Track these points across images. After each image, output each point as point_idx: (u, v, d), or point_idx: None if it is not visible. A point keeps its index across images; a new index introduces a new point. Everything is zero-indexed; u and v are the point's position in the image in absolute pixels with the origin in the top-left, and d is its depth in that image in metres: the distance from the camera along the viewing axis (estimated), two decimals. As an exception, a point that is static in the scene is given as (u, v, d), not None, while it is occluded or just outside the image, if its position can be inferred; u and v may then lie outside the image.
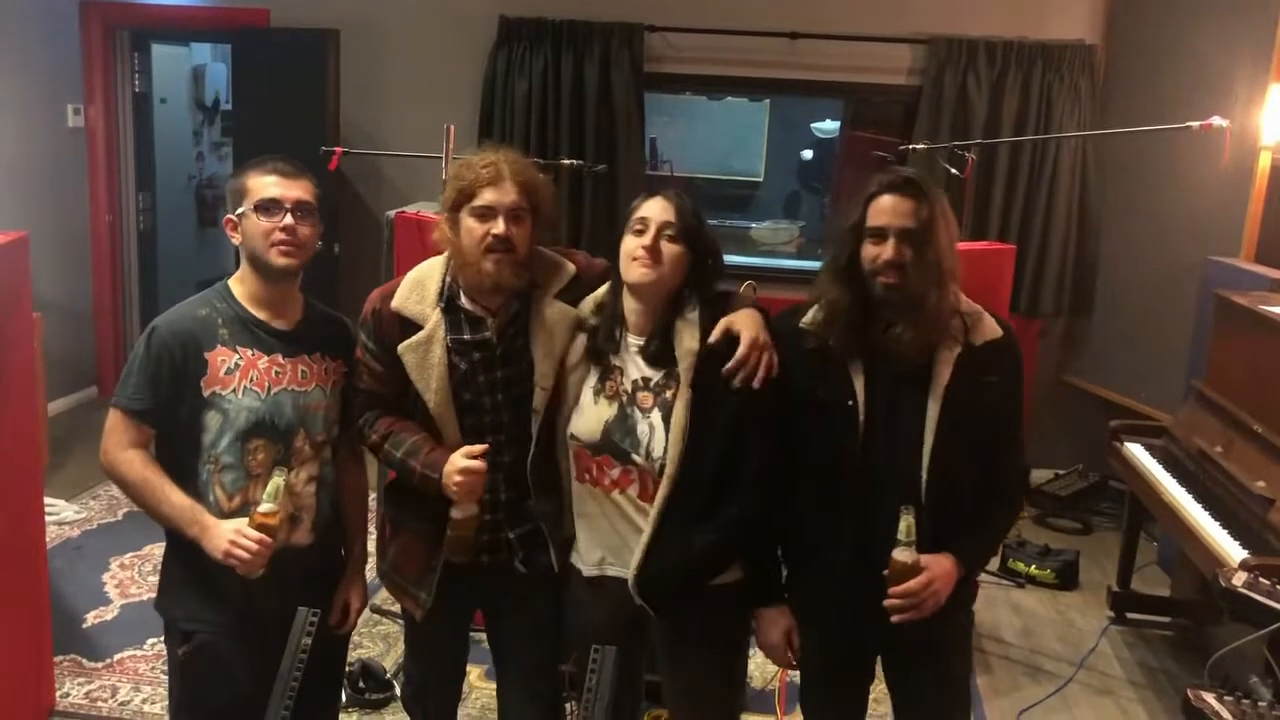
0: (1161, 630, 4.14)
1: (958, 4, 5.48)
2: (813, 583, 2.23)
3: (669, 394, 2.12)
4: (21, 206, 5.50)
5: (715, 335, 2.09)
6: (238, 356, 2.16)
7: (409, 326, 2.21)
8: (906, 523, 2.01)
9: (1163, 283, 4.93)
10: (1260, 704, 1.85)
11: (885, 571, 2.03)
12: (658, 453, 2.10)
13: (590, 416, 2.17)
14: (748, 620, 2.30)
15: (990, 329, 2.15)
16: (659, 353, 2.13)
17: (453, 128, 3.60)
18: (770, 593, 2.26)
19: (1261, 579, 2.08)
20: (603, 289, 2.24)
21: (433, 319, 2.20)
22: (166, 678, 2.38)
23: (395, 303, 2.23)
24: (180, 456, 2.17)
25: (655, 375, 2.14)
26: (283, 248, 2.15)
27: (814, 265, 6.83)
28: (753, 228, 7.75)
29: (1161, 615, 4.20)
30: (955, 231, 2.14)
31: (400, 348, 2.20)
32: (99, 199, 6.24)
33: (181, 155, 7.48)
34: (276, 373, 2.19)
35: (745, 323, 2.10)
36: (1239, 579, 2.10)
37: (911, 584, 2.02)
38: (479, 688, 3.42)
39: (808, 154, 8.31)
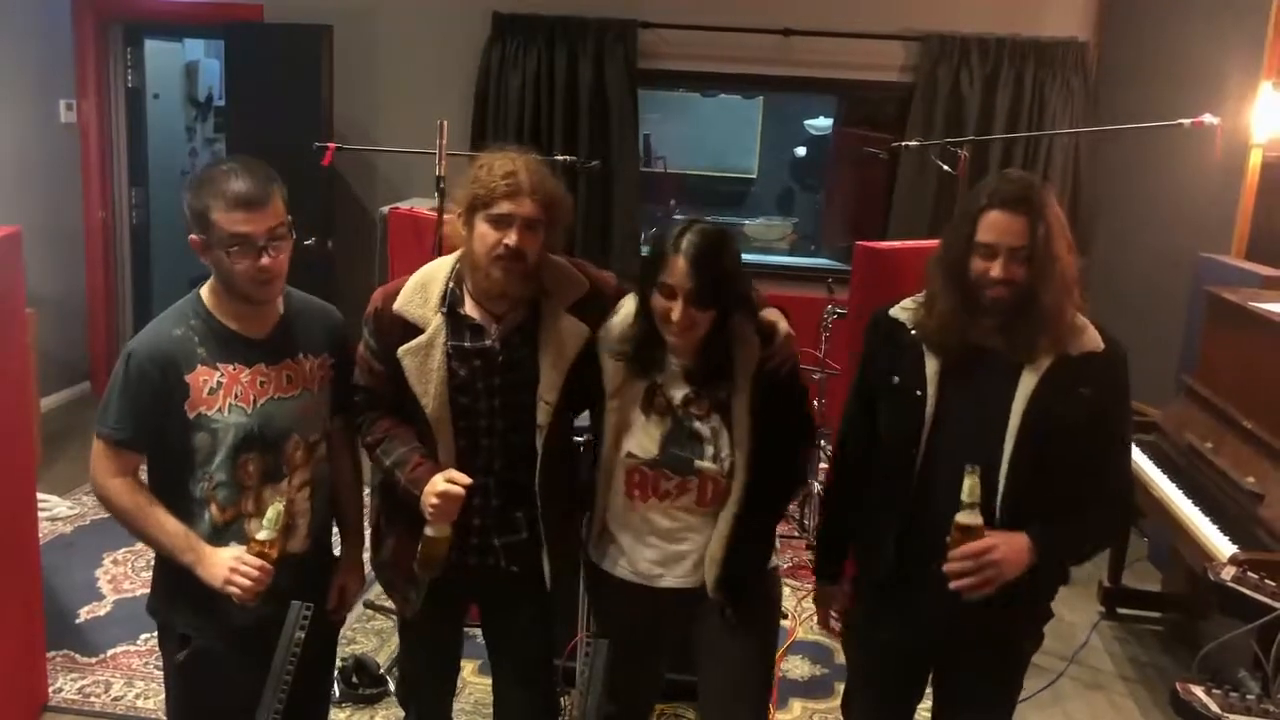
0: (1152, 625, 4.16)
1: (951, 1, 5.49)
2: (871, 570, 2.24)
3: (722, 394, 2.15)
4: (14, 202, 5.48)
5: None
6: (219, 374, 2.10)
7: (410, 330, 2.19)
8: (970, 483, 1.96)
9: (1154, 279, 4.95)
10: (1248, 696, 1.86)
11: (948, 538, 1.99)
12: (726, 451, 2.14)
13: (643, 434, 2.18)
14: (779, 603, 2.39)
15: (1091, 341, 2.09)
16: (708, 374, 2.15)
17: (446, 123, 3.60)
18: (833, 569, 2.36)
19: (1250, 573, 2.09)
20: (624, 318, 2.20)
21: (434, 323, 2.18)
22: (160, 674, 2.37)
23: (397, 305, 2.20)
24: (172, 475, 2.13)
25: (704, 387, 2.17)
26: (261, 281, 2.07)
27: (807, 261, 6.88)
28: (746, 224, 7.76)
29: (1152, 610, 4.22)
30: (1070, 239, 2.08)
31: (400, 351, 2.17)
32: (92, 194, 6.23)
33: (175, 151, 7.46)
34: (261, 384, 2.14)
35: (779, 317, 2.22)
36: (1228, 573, 2.10)
37: (971, 545, 1.97)
38: (473, 682, 3.42)
39: (801, 151, 8.32)
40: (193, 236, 2.09)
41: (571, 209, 2.23)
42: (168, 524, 2.08)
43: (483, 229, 2.11)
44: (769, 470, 2.17)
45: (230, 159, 2.14)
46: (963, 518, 1.96)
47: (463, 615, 2.48)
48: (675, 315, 2.04)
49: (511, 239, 2.08)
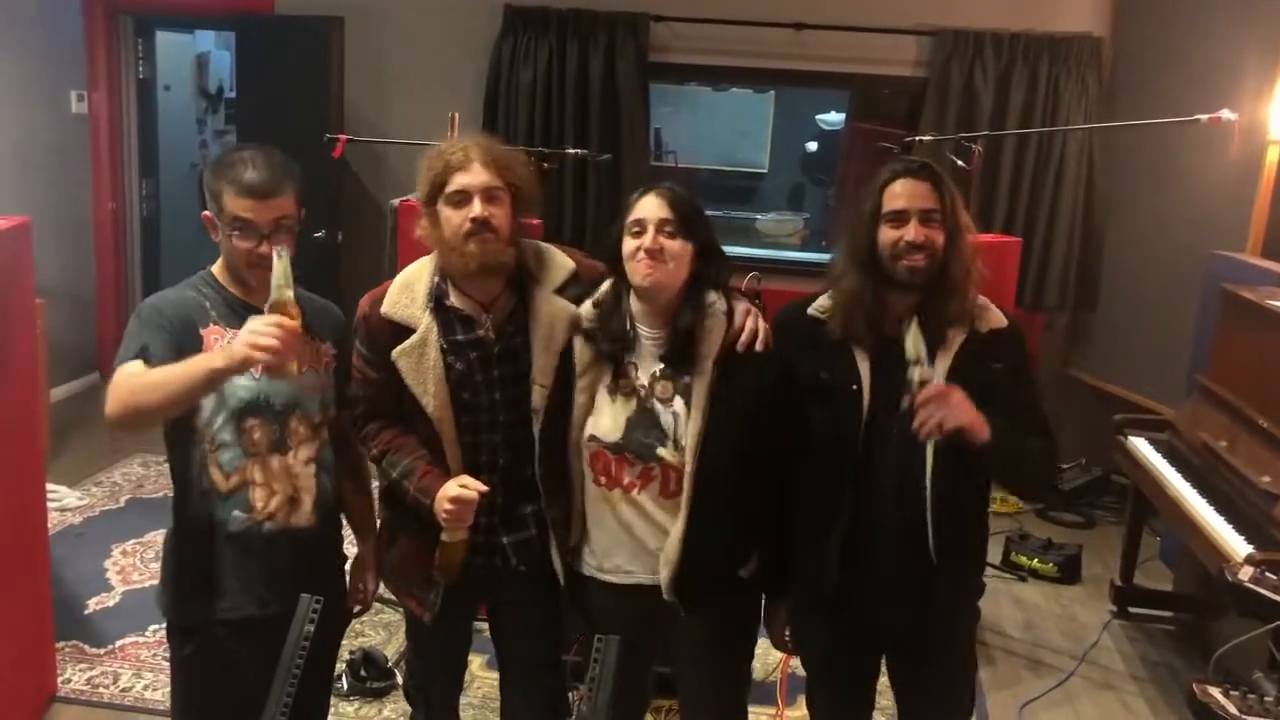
0: (1163, 625, 4.14)
1: (965, -5, 5.46)
2: (815, 569, 2.21)
3: (688, 379, 2.11)
4: (24, 192, 5.49)
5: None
6: (229, 336, 2.09)
7: (401, 331, 2.17)
8: (912, 337, 1.98)
9: (1168, 277, 4.91)
10: (1266, 698, 1.84)
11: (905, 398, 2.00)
12: (685, 439, 2.09)
13: (608, 416, 2.14)
14: (759, 613, 2.32)
15: (996, 318, 2.17)
16: (680, 349, 2.11)
17: (457, 116, 3.59)
18: (782, 584, 2.28)
19: (1268, 574, 2.07)
20: (600, 291, 2.20)
21: (424, 321, 2.16)
22: (168, 665, 2.36)
23: (385, 308, 2.18)
24: (175, 440, 2.13)
25: (674, 367, 2.13)
26: (255, 266, 2.08)
27: (818, 257, 6.84)
28: (757, 220, 7.72)
29: (1164, 610, 4.20)
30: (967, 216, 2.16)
31: (394, 353, 2.15)
32: (102, 185, 6.24)
33: (185, 142, 7.47)
34: None
35: (737, 297, 2.21)
36: (1245, 573, 2.09)
37: (930, 388, 1.97)
38: (481, 677, 3.42)
39: (812, 146, 8.28)
40: (206, 213, 2.13)
41: (531, 173, 2.20)
42: (177, 364, 1.99)
43: (447, 212, 2.11)
44: (728, 462, 2.09)
45: (254, 147, 2.14)
46: (914, 374, 1.98)
47: (473, 615, 2.46)
48: (645, 242, 2.04)
49: (475, 211, 2.07)
